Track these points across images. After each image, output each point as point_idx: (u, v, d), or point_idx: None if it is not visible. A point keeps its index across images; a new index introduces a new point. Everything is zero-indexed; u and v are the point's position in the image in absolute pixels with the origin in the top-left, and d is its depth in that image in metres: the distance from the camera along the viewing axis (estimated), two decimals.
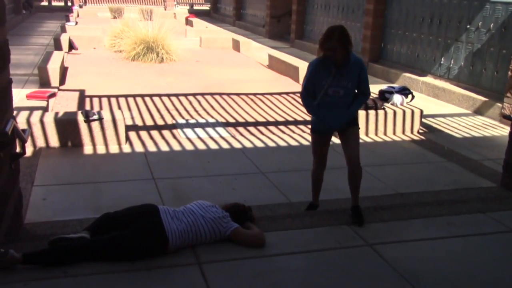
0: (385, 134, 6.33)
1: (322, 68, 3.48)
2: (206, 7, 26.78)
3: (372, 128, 6.26)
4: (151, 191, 4.31)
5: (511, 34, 7.57)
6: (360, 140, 6.07)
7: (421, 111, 6.53)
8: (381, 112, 6.28)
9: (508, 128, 5.29)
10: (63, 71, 9.04)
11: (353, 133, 3.66)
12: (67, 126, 5.34)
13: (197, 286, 2.94)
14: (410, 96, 7.10)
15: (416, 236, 3.65)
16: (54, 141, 5.34)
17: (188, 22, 19.68)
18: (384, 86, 7.45)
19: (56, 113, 5.52)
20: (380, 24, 10.59)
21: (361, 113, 6.15)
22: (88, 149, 5.35)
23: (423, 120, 6.74)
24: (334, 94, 3.52)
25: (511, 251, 3.47)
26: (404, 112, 6.39)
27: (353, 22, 11.72)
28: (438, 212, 4.08)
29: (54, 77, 8.01)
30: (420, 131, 6.52)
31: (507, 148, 4.62)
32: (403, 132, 6.40)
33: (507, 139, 4.64)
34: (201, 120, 6.72)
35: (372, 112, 6.23)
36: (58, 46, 11.22)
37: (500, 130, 6.74)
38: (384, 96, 6.92)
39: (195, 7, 26.99)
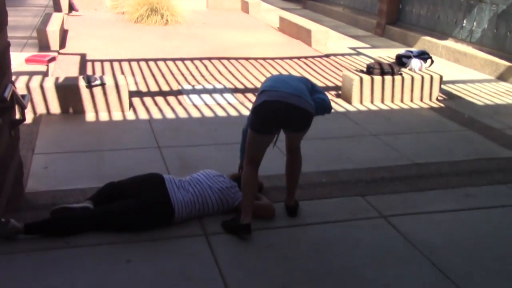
0: (401, 101, 6.26)
1: None
2: None
3: (388, 94, 6.20)
4: (156, 160, 4.32)
5: None
6: (375, 108, 6.15)
7: (441, 77, 6.43)
8: (398, 77, 6.20)
9: None
10: (63, 33, 8.97)
11: None
12: (68, 92, 5.33)
13: (204, 257, 2.97)
14: (429, 61, 6.98)
15: (432, 208, 3.65)
16: (55, 108, 5.34)
17: None
18: (401, 50, 7.32)
19: (57, 78, 5.50)
20: None
21: (377, 79, 6.08)
22: (90, 116, 5.35)
23: (443, 86, 6.64)
24: None
25: None
26: (422, 77, 6.30)
27: None
28: (457, 183, 4.06)
29: (53, 40, 7.95)
30: (439, 98, 6.44)
31: None
32: (421, 99, 6.33)
33: None
34: (208, 86, 6.68)
35: (388, 78, 6.15)
36: (57, 8, 11.11)
37: None
38: (402, 61, 6.82)
39: None
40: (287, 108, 3.06)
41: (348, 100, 6.11)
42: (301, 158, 3.45)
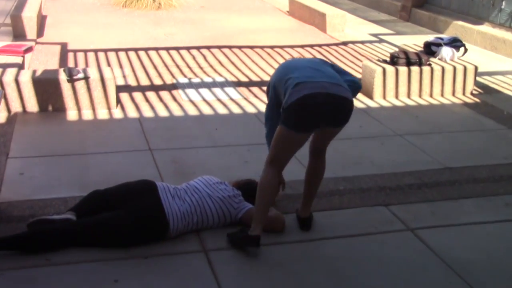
0: (431, 95, 6.25)
1: None
2: None
3: (416, 88, 6.19)
4: (148, 165, 4.33)
5: None
6: (401, 103, 6.15)
7: (476, 68, 6.41)
8: (426, 68, 6.19)
9: None
10: (41, 20, 9.01)
11: None
12: (47, 86, 5.35)
13: (203, 277, 2.97)
14: (462, 49, 6.96)
15: (467, 220, 3.64)
16: (32, 105, 5.36)
17: None
18: (430, 37, 7.32)
19: (34, 71, 5.52)
20: None
21: (402, 71, 6.07)
22: (72, 114, 5.36)
23: (478, 78, 6.63)
24: None
25: None
26: (454, 68, 6.29)
27: None
28: (495, 191, 4.05)
29: (30, 28, 7.98)
30: (474, 92, 6.42)
31: None
32: (453, 94, 6.31)
33: None
34: (207, 79, 6.68)
35: (415, 69, 6.14)
36: None
37: None
38: (431, 50, 6.81)
39: None
40: (332, 100, 3.08)
41: (369, 94, 6.11)
42: (325, 163, 3.45)
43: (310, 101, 3.05)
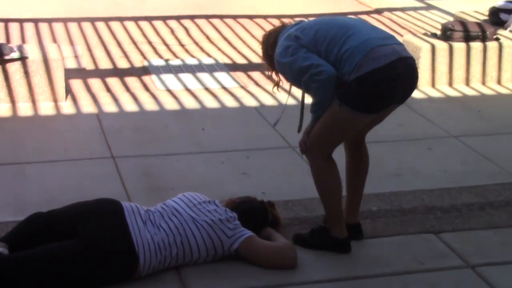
0: (498, 82, 6.25)
1: None
2: None
3: (477, 72, 6.19)
4: (109, 178, 4.32)
5: None
6: (456, 93, 6.13)
7: None
8: (492, 44, 6.18)
9: None
10: None
11: None
12: None
13: None
14: None
15: None
16: None
17: None
18: (498, 1, 7.31)
19: None
20: None
21: (459, 48, 6.06)
22: (3, 108, 5.36)
23: None
24: None
25: None
26: None
27: None
28: None
29: None
30: None
31: None
32: None
33: None
34: (191, 61, 6.68)
35: (476, 46, 6.14)
36: None
37: None
38: (499, 18, 6.81)
39: None
40: (410, 68, 3.28)
41: None
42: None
43: (391, 73, 3.16)
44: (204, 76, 6.27)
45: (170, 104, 5.60)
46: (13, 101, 5.43)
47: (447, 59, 6.10)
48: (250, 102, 5.68)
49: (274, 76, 3.60)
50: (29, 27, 7.42)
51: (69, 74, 5.89)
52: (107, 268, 3.17)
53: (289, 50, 3.28)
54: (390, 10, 8.53)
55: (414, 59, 3.37)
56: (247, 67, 6.54)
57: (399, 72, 3.17)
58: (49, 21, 7.67)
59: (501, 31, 6.47)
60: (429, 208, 4.08)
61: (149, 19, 7.91)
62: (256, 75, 6.33)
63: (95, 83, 5.97)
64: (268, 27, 7.67)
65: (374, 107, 3.25)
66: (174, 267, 3.34)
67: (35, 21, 7.61)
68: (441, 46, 6.08)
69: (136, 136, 4.97)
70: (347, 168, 3.64)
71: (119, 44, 7.05)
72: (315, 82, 3.20)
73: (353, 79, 3.12)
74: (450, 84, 6.16)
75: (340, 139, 3.46)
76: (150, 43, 7.17)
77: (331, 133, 3.35)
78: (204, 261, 3.38)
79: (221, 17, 8.06)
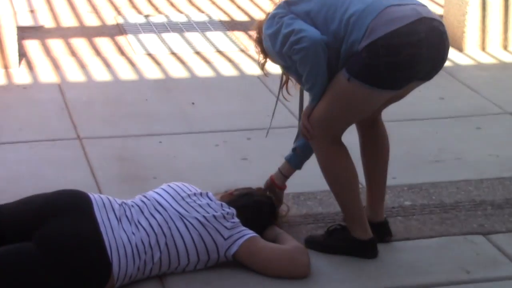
0: None
1: None
2: None
3: None
4: (74, 164, 4.33)
5: None
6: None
7: None
8: None
9: None
10: None
11: None
12: None
13: None
14: None
15: None
16: None
17: None
18: None
19: None
20: None
21: None
22: None
23: None
24: None
25: None
26: None
27: None
28: None
29: None
30: None
31: None
32: None
33: None
34: (176, 17, 6.69)
35: None
36: None
37: None
38: None
39: None
40: (437, 33, 3.23)
41: (456, 43, 6.11)
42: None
43: (411, 38, 3.12)
44: (194, 36, 6.29)
45: (151, 72, 5.64)
46: None
47: (502, 14, 6.09)
48: (251, 69, 5.68)
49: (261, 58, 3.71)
50: None
51: (23, 34, 5.93)
52: (73, 278, 3.16)
53: (275, 18, 3.30)
54: None
55: (444, 24, 3.28)
56: (248, 25, 6.50)
57: (422, 36, 3.13)
58: None
59: None
60: (477, 203, 4.06)
61: None
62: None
63: (56, 45, 5.99)
64: None
65: (391, 82, 3.22)
66: (157, 276, 3.35)
67: None
68: None
69: (109, 112, 4.99)
70: (362, 152, 3.66)
71: None
72: (296, 53, 3.20)
73: (363, 47, 3.10)
74: (505, 47, 6.17)
75: (349, 120, 3.46)
76: None
77: (338, 114, 3.34)
78: (194, 268, 3.39)
79: None
